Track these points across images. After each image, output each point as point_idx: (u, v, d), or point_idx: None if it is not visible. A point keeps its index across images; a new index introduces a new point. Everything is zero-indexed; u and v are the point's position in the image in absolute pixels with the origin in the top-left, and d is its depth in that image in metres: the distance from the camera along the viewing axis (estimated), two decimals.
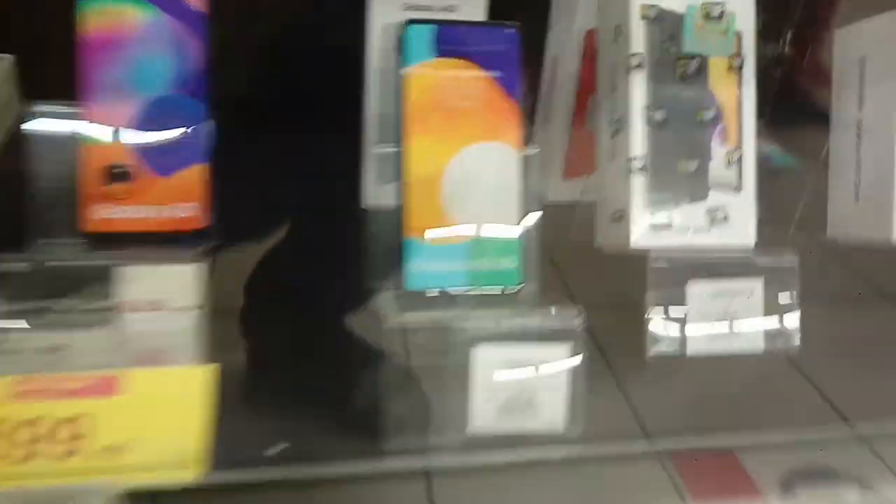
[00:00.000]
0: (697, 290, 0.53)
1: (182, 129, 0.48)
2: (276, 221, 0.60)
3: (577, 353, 0.45)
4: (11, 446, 0.37)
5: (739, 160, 0.54)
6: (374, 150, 0.51)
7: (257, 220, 0.56)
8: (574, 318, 0.45)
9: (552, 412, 0.45)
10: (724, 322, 0.53)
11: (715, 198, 0.53)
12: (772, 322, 0.55)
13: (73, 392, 0.39)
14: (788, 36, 0.89)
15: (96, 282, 0.45)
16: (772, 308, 0.54)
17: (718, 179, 0.54)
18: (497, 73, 0.48)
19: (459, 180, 0.48)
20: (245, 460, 0.43)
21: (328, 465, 0.45)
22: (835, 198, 0.63)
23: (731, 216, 0.54)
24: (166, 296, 0.45)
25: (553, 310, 0.46)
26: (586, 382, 0.48)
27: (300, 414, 0.48)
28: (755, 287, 0.54)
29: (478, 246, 0.48)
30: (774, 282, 0.54)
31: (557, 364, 0.45)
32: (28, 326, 0.42)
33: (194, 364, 0.44)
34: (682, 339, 0.52)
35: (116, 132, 0.47)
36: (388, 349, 0.43)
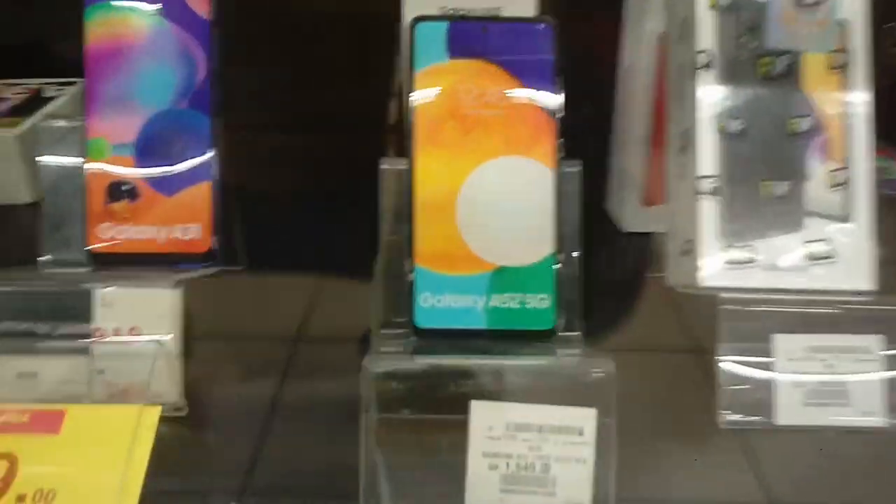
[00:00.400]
0: (786, 344, 0.42)
1: (187, 146, 0.45)
2: (289, 245, 0.55)
3: (607, 416, 0.36)
4: None
5: (847, 182, 0.43)
6: None
7: (267, 243, 0.51)
8: (602, 372, 0.36)
9: (574, 491, 0.36)
10: (826, 387, 0.42)
11: (814, 228, 0.43)
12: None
13: (15, 427, 0.35)
14: None
15: (76, 305, 0.41)
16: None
17: (819, 205, 0.43)
18: (525, 77, 0.41)
19: (478, 200, 0.41)
20: None
21: None
22: None
23: (837, 252, 0.43)
24: (145, 322, 0.41)
25: (577, 360, 0.38)
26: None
27: (268, 474, 0.42)
28: (871, 344, 0.42)
29: (501, 279, 0.41)
30: None
31: (579, 429, 0.36)
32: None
33: (167, 399, 0.39)
34: (767, 407, 0.42)
35: (120, 148, 0.45)
36: (379, 401, 0.36)
